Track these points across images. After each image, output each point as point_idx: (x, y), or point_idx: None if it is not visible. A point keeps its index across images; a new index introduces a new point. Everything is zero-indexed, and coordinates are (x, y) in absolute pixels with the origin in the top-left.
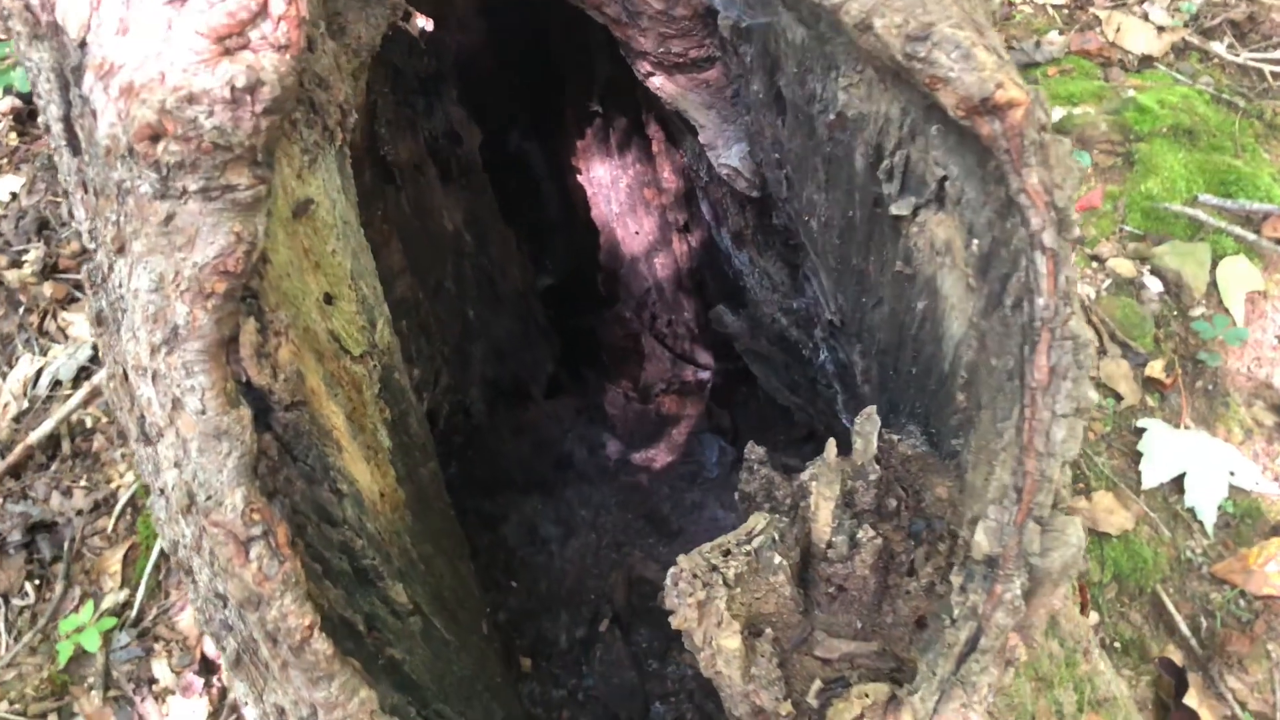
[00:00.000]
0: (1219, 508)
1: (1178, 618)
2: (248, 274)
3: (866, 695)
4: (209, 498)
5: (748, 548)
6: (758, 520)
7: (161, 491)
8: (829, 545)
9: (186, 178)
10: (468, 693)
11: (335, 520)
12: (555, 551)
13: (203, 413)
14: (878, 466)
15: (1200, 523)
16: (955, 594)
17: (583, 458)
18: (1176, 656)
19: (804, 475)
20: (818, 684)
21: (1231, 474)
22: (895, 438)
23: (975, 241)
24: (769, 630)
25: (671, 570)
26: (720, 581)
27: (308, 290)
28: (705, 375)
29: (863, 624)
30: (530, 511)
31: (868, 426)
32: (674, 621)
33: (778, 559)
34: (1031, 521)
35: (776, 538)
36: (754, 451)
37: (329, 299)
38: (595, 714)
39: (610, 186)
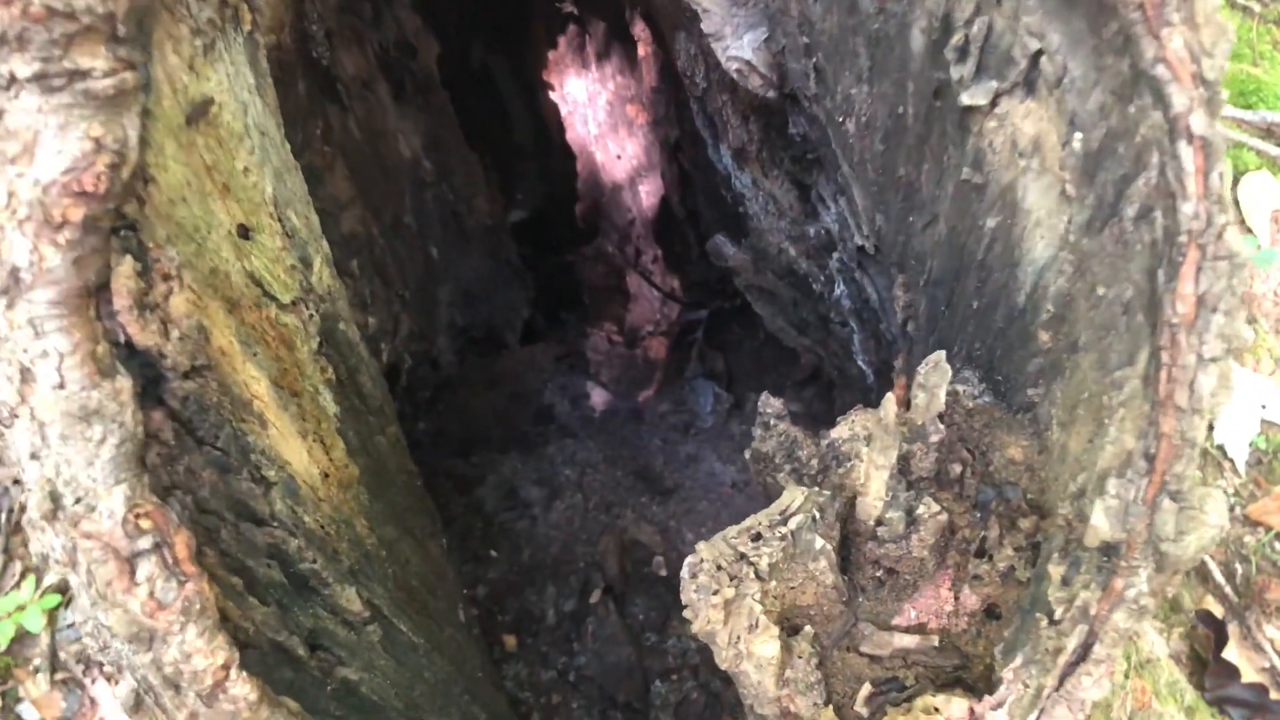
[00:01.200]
0: (1250, 444)
1: (1211, 565)
2: (117, 196)
3: (935, 710)
4: (78, 500)
5: (783, 530)
6: (793, 495)
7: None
8: (879, 522)
9: (13, 59)
10: (443, 700)
11: (260, 517)
12: (538, 516)
13: (61, 387)
14: (941, 426)
15: (1231, 460)
16: (1055, 588)
17: (564, 410)
18: (1213, 607)
19: (836, 433)
20: (867, 688)
21: (1263, 408)
22: (958, 389)
23: (1078, 136)
24: (808, 627)
25: (689, 561)
26: (751, 574)
27: (213, 220)
28: (697, 315)
29: (918, 613)
30: (509, 472)
31: (934, 378)
32: (694, 625)
33: (819, 542)
34: (1166, 498)
35: (817, 516)
36: (770, 404)
37: (244, 232)
38: (589, 696)
39: (588, 104)
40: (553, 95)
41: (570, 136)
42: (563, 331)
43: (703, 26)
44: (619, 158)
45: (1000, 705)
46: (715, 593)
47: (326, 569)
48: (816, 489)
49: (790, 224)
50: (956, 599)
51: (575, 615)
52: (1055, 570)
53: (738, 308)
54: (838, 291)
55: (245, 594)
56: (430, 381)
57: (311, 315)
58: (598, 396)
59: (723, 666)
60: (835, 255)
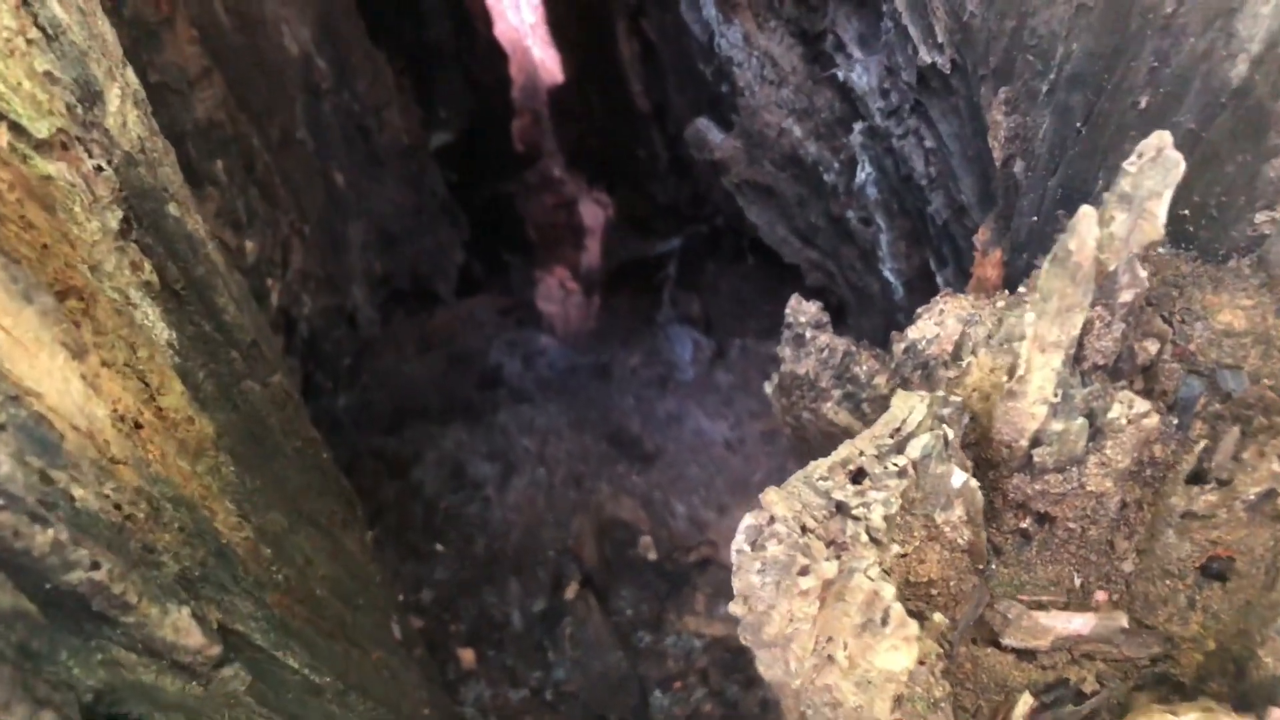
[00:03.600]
0: None
1: None
2: None
3: None
4: None
5: (898, 460)
6: (908, 404)
7: None
8: (1034, 441)
9: None
10: None
11: None
12: (492, 497)
13: None
14: (1141, 273)
15: None
16: None
17: (515, 371)
18: None
19: (915, 332)
20: (1026, 702)
21: None
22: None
23: None
24: (937, 615)
25: (749, 524)
26: (862, 534)
27: None
28: (667, 247)
29: (1083, 579)
30: (452, 446)
31: (1150, 181)
32: (754, 626)
33: (958, 475)
34: None
35: (948, 434)
36: (803, 310)
37: None
38: (573, 716)
39: None
40: None
41: (500, 31)
42: (506, 278)
43: None
44: (565, 45)
45: None
46: (804, 571)
47: (125, 580)
48: (939, 395)
49: (794, 93)
50: (1141, 554)
51: (548, 616)
52: None
53: (711, 237)
54: (861, 177)
55: None
56: (348, 345)
57: (101, 171)
58: (554, 352)
59: (787, 682)
60: (859, 126)
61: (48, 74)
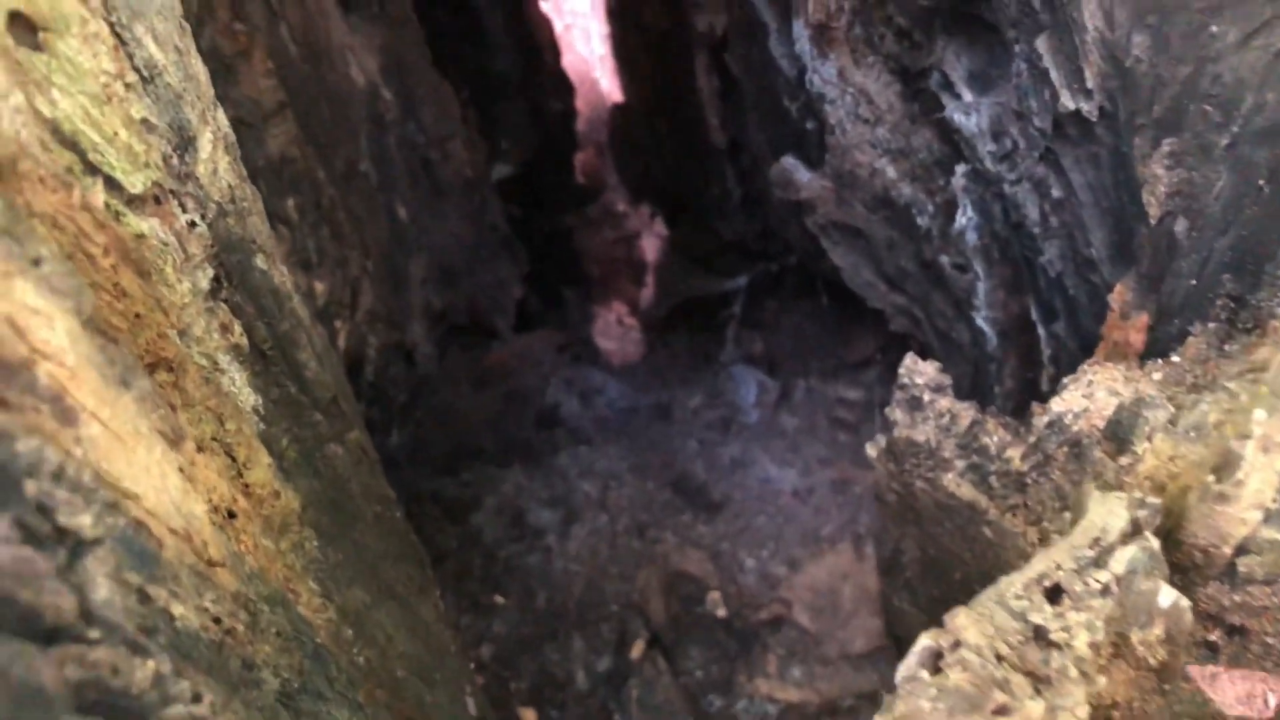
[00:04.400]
0: None
1: None
2: None
3: None
4: None
5: (1100, 576)
6: (1107, 508)
7: None
8: (1240, 548)
9: None
10: None
11: (50, 627)
12: (554, 546)
13: None
14: None
15: None
16: None
17: (573, 410)
18: None
19: (1061, 405)
20: None
21: None
22: None
23: None
24: None
25: (925, 646)
26: (1068, 665)
27: None
28: (734, 285)
29: (1239, 696)
30: (512, 491)
31: None
32: None
33: (1167, 594)
34: None
35: (1154, 548)
36: (920, 370)
37: (23, 23)
38: None
39: (591, 13)
40: (543, 4)
41: (568, 61)
42: (563, 313)
43: None
44: (635, 77)
45: None
46: (1002, 711)
47: (227, 710)
48: (1138, 497)
49: (890, 132)
50: None
51: (613, 676)
52: None
53: (775, 275)
54: (961, 222)
55: None
56: (405, 381)
57: (194, 227)
58: (612, 389)
59: None
60: (962, 169)
61: (145, 121)
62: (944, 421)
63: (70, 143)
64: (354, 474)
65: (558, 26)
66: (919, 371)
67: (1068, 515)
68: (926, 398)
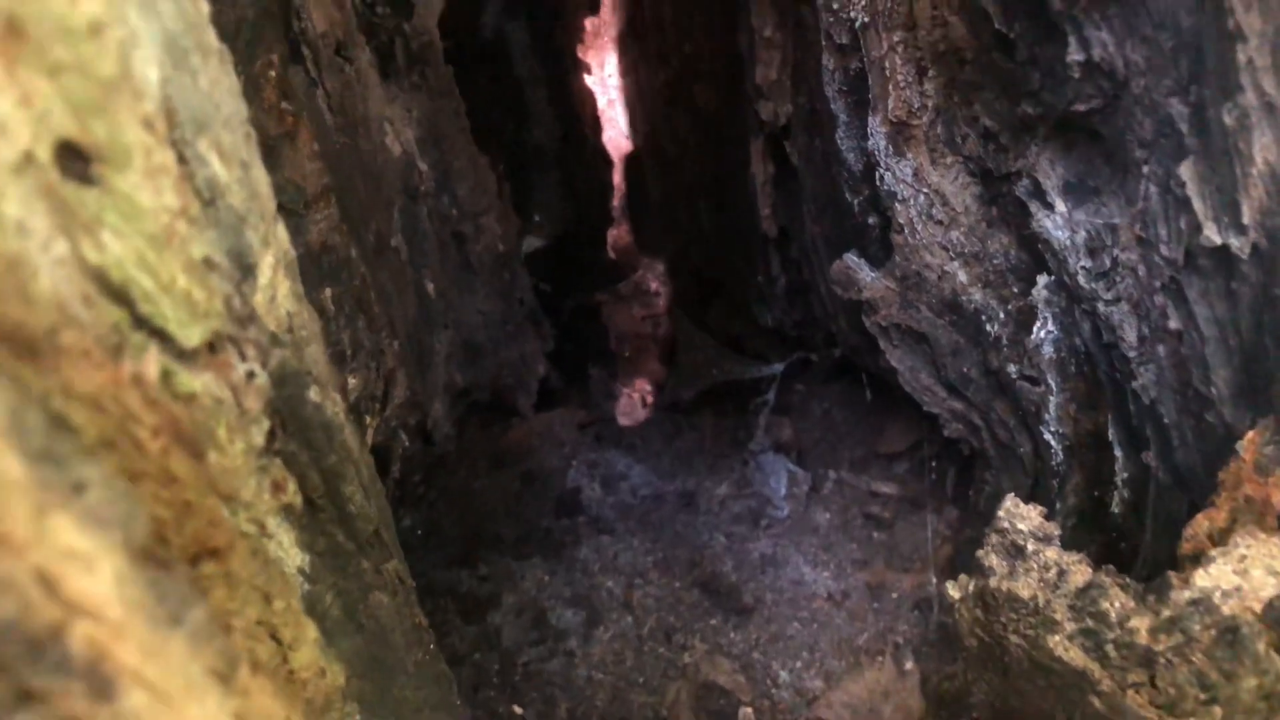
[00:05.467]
0: None
1: None
2: None
3: None
4: None
5: None
6: None
7: None
8: None
9: None
10: None
11: None
12: (576, 651)
13: None
14: None
15: None
16: None
17: (595, 496)
18: None
19: (1206, 580)
20: None
21: None
22: None
23: None
24: None
25: None
26: None
27: None
28: (768, 370)
29: None
30: (532, 587)
31: None
32: None
33: None
34: None
35: None
36: (1023, 515)
37: (74, 154)
38: None
39: (636, 89)
40: (588, 79)
41: (608, 137)
42: (586, 391)
43: None
44: (678, 156)
45: None
46: None
47: None
48: None
49: (964, 235)
50: None
51: None
52: None
53: (806, 363)
54: (1040, 334)
55: None
56: (420, 462)
57: (252, 378)
58: (636, 475)
59: None
60: (1045, 280)
61: (206, 260)
62: (1050, 575)
63: (119, 294)
64: (395, 619)
65: (599, 101)
66: (1021, 516)
67: (1218, 711)
68: (1030, 547)
